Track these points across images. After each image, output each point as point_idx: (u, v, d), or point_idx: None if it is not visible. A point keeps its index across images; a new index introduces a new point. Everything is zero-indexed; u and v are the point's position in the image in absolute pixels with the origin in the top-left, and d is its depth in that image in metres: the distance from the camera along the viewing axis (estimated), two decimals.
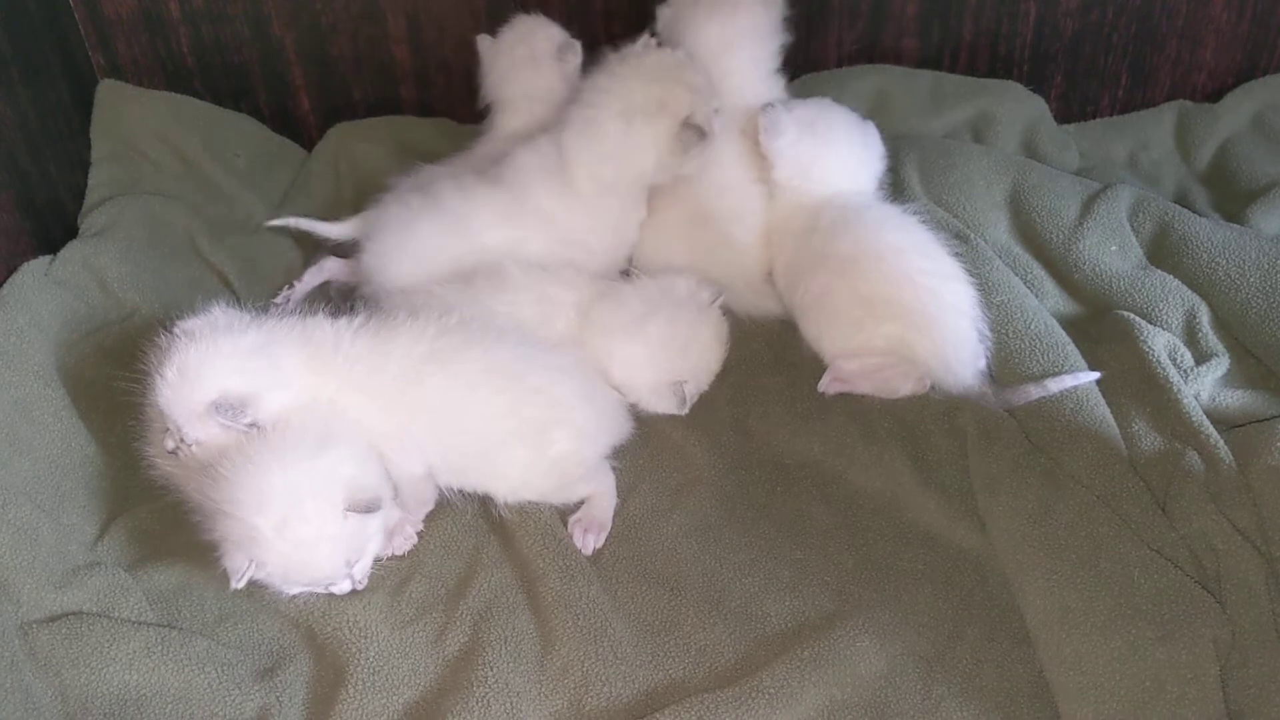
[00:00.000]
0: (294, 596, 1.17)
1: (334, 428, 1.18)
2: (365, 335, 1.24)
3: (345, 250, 1.59)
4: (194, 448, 1.18)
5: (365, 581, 1.18)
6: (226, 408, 1.15)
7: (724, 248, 1.50)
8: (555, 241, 1.47)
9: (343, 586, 1.16)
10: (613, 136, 1.42)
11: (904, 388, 1.37)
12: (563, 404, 1.27)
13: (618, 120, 1.41)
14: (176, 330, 1.19)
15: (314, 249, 1.65)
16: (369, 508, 1.14)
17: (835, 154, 1.49)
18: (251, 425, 1.16)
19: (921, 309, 1.35)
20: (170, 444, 1.19)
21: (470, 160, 1.60)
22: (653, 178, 1.46)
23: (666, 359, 1.37)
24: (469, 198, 1.48)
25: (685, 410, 1.38)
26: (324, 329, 1.24)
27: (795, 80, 1.62)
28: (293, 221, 1.61)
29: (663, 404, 1.39)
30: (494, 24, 1.74)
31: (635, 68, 1.43)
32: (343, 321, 1.25)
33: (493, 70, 1.63)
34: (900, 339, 1.36)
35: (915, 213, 1.48)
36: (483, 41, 1.64)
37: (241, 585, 1.11)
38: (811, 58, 1.84)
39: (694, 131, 1.41)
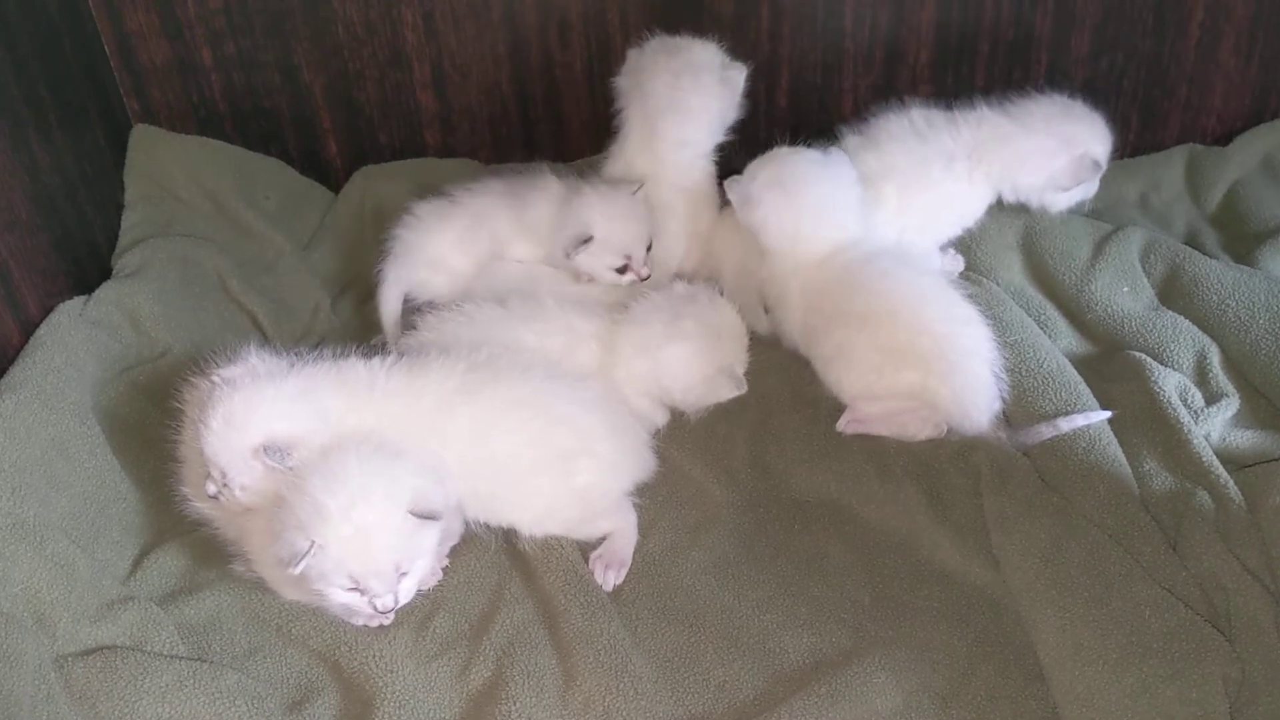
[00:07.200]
0: (323, 633, 1.19)
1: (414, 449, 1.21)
2: (399, 372, 1.27)
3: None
4: (239, 492, 1.19)
5: (408, 599, 1.19)
6: (275, 451, 1.18)
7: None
8: None
9: (385, 601, 1.16)
10: None
11: (921, 433, 1.38)
12: (588, 436, 1.29)
13: None
14: (217, 379, 1.21)
15: (340, 290, 1.71)
16: (429, 515, 1.16)
17: (816, 208, 1.45)
18: (296, 467, 1.18)
19: (942, 356, 1.36)
20: (212, 489, 1.21)
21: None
22: None
23: (709, 346, 1.41)
24: None
25: (745, 388, 1.42)
26: (358, 369, 1.27)
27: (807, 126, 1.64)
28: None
29: (721, 391, 1.43)
30: (516, 71, 1.79)
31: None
32: (376, 361, 1.28)
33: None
34: (922, 385, 1.37)
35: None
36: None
37: (299, 570, 1.12)
38: (826, 104, 1.87)
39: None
